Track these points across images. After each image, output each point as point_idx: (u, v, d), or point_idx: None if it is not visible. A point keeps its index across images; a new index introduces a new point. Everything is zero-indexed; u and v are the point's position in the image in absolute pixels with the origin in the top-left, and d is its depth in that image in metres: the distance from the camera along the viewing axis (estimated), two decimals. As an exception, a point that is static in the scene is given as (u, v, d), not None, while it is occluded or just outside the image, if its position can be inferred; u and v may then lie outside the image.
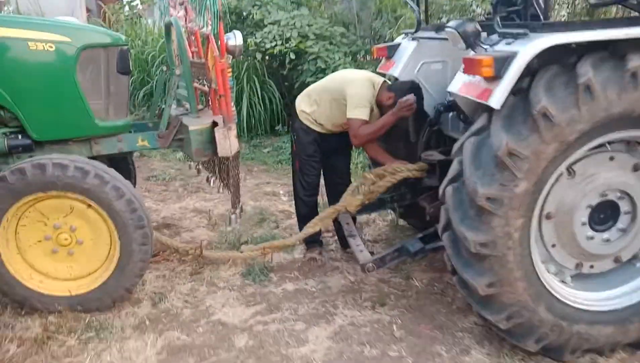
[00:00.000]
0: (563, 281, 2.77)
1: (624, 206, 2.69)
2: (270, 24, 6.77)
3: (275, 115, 7.42)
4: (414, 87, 3.50)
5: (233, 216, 3.61)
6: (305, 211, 3.95)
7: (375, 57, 4.12)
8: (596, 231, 2.70)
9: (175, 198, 5.49)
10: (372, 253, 3.36)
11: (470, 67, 2.44)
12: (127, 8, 9.40)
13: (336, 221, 4.03)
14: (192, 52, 3.85)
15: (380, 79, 3.65)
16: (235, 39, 3.41)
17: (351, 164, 4.17)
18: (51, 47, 3.16)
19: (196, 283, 3.68)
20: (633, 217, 2.70)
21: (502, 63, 2.31)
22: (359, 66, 6.99)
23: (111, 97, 3.44)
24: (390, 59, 3.91)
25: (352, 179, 4.04)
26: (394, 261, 3.18)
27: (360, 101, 3.48)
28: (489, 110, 2.50)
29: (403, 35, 3.99)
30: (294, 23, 6.87)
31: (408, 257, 3.16)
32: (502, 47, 2.47)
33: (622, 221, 2.71)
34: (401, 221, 4.33)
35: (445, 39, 3.63)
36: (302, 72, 7.09)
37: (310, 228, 3.57)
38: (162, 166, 6.53)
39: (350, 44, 7.26)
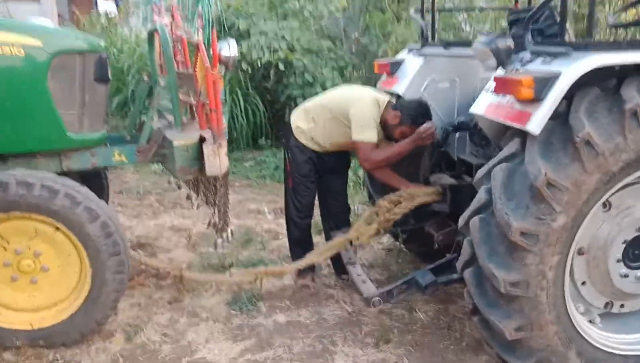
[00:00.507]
0: (591, 322, 2.52)
1: (661, 241, 2.47)
2: (258, 33, 6.46)
3: (259, 128, 7.09)
4: (422, 106, 3.25)
5: (219, 241, 3.27)
6: (298, 235, 3.63)
7: (376, 72, 3.84)
8: (630, 268, 2.47)
9: (150, 214, 5.08)
10: (371, 280, 3.05)
11: (505, 87, 2.18)
12: (103, 20, 8.98)
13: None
14: (178, 62, 3.50)
15: (384, 97, 3.38)
16: (229, 48, 3.08)
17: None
18: (20, 51, 2.77)
19: (176, 312, 3.31)
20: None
21: (544, 84, 2.06)
22: (347, 81, 6.75)
23: (86, 108, 3.06)
24: (393, 75, 3.65)
25: (349, 202, 3.75)
26: (402, 294, 2.89)
27: (365, 121, 3.20)
28: (522, 134, 2.24)
29: (407, 51, 3.74)
30: (283, 35, 6.59)
31: (418, 290, 2.87)
32: (538, 67, 2.22)
33: (660, 258, 2.49)
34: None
35: (455, 56, 3.47)
36: (288, 85, 6.82)
37: (315, 256, 3.24)
38: (135, 178, 6.11)
39: (338, 59, 7.04)
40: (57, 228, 2.65)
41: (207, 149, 3.01)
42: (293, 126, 3.46)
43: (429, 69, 3.47)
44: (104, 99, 3.26)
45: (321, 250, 3.27)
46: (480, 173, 2.42)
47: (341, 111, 3.29)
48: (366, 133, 3.19)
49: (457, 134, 3.32)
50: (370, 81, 7.12)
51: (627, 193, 2.35)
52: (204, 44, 3.10)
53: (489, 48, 2.24)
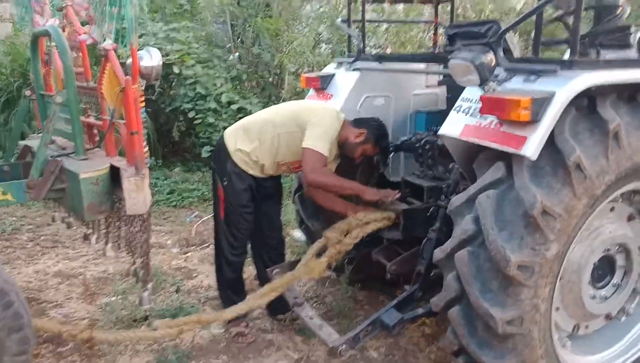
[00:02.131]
0: (564, 346, 2.47)
1: (620, 259, 2.49)
2: (145, 35, 5.80)
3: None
4: (383, 127, 3.02)
5: (145, 294, 2.69)
6: (231, 276, 3.17)
7: (304, 87, 3.54)
8: (596, 288, 2.46)
9: (25, 258, 4.21)
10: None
11: (495, 108, 2.02)
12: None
13: (261, 281, 3.35)
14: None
15: (342, 114, 3.08)
16: (151, 58, 2.56)
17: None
18: None
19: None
20: (627, 270, 2.52)
21: (540, 105, 1.93)
22: (243, 95, 6.35)
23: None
24: (323, 91, 3.38)
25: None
26: (368, 337, 2.59)
27: (323, 131, 2.86)
28: (505, 158, 2.10)
29: (336, 65, 3.50)
30: (174, 36, 6.02)
31: (385, 331, 2.60)
32: (523, 86, 2.10)
33: (617, 276, 2.52)
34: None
35: (389, 70, 3.30)
36: (177, 97, 6.23)
37: (256, 300, 2.80)
38: (-1, 212, 5.08)
39: (229, 69, 6.59)
40: None
41: (127, 182, 2.45)
42: (231, 148, 2.99)
43: (364, 85, 3.27)
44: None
45: (263, 292, 2.85)
46: (457, 200, 2.24)
47: (298, 122, 2.92)
48: (320, 143, 2.83)
49: (402, 155, 3.14)
50: (268, 94, 6.82)
51: (595, 214, 2.32)
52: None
53: (471, 64, 2.05)
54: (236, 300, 3.10)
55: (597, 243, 2.35)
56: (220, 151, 3.03)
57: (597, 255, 2.38)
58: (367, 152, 3.01)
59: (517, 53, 2.89)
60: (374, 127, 2.97)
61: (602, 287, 2.50)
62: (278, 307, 3.23)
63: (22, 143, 3.26)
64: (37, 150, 2.64)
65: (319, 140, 2.83)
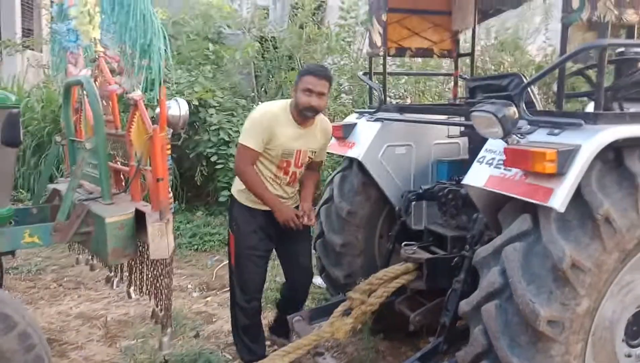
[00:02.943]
0: (596, 408, 2.35)
1: (653, 314, 2.40)
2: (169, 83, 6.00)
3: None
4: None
5: (165, 339, 2.68)
6: (245, 321, 3.14)
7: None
8: (632, 346, 2.36)
9: (48, 299, 4.24)
10: None
11: (520, 160, 2.02)
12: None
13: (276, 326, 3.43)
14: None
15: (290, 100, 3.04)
16: (179, 108, 2.65)
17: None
18: None
19: None
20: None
21: (566, 158, 1.92)
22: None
23: (-10, 177, 2.42)
24: (345, 139, 3.43)
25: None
26: (390, 391, 2.53)
27: (250, 126, 2.94)
28: (531, 210, 2.08)
29: (357, 115, 3.56)
30: (197, 81, 6.22)
31: (409, 386, 2.54)
32: (544, 138, 2.10)
33: (651, 333, 2.42)
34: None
35: (411, 121, 3.34)
36: (200, 143, 6.35)
37: (279, 358, 2.74)
38: (23, 252, 5.13)
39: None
40: (-46, 346, 1.95)
41: (152, 227, 2.48)
42: (234, 193, 3.10)
43: (385, 134, 3.30)
44: (11, 166, 2.62)
45: (287, 350, 2.78)
46: (484, 251, 2.21)
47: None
48: (244, 136, 2.93)
49: (424, 204, 3.13)
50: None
51: (626, 269, 2.26)
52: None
53: (494, 116, 2.07)
54: (252, 347, 3.08)
55: (630, 299, 2.26)
56: (230, 200, 3.11)
57: (631, 310, 2.29)
58: (302, 93, 2.88)
59: (539, 106, 2.91)
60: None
61: (637, 346, 2.39)
62: (279, 330, 3.34)
63: (50, 186, 3.34)
64: (65, 194, 2.70)
65: (244, 133, 2.95)
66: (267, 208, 2.99)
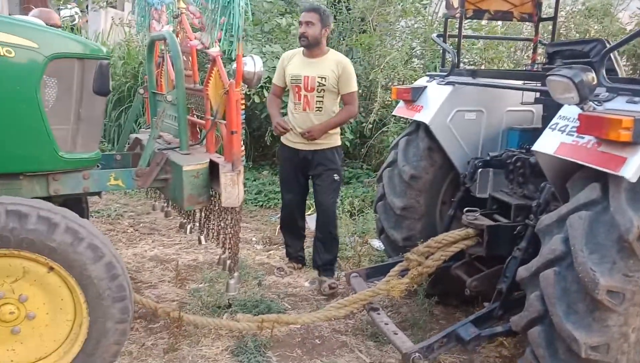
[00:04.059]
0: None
1: None
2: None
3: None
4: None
5: (232, 282, 2.87)
6: (288, 238, 4.17)
7: (395, 98, 3.61)
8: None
9: (126, 241, 4.59)
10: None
11: (594, 127, 1.97)
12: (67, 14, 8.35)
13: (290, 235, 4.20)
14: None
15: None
16: (254, 64, 2.75)
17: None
18: (9, 51, 2.33)
19: (174, 364, 2.89)
20: None
21: (641, 127, 1.86)
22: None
23: (81, 123, 2.62)
24: (414, 103, 3.42)
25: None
26: (442, 348, 2.59)
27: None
28: (602, 179, 2.04)
29: (428, 79, 3.53)
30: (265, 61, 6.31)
31: (460, 345, 2.59)
32: (622, 106, 2.03)
33: None
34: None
35: (483, 85, 3.28)
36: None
37: (336, 310, 2.88)
38: (104, 199, 5.55)
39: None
40: (52, 268, 2.20)
41: (224, 177, 2.64)
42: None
43: (456, 99, 3.27)
44: (101, 114, 2.84)
45: (343, 303, 2.92)
46: (548, 219, 2.20)
47: None
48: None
49: (491, 171, 3.10)
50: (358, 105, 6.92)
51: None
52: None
53: (571, 81, 2.02)
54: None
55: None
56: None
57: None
58: (299, 27, 3.81)
59: (622, 74, 2.77)
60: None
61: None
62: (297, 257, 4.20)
63: (133, 135, 3.59)
64: (146, 143, 2.91)
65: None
66: (293, 145, 3.84)
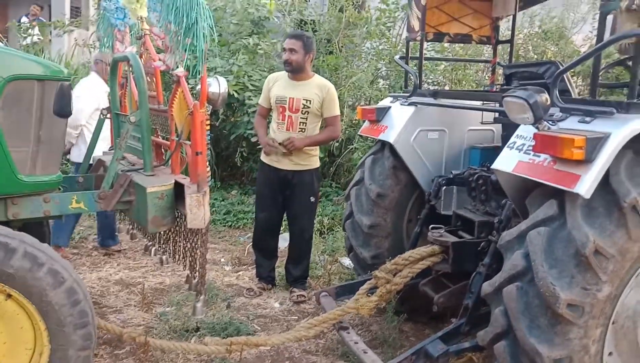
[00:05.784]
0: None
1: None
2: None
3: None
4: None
5: (199, 305, 2.82)
6: (260, 258, 4.16)
7: (360, 118, 3.66)
8: (654, 337, 2.37)
9: (90, 265, 4.48)
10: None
11: (549, 146, 2.05)
12: (28, 39, 8.21)
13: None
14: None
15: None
16: (218, 85, 2.76)
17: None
18: (-36, 73, 2.29)
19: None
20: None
21: (594, 145, 1.94)
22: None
23: (42, 145, 2.58)
24: (378, 123, 3.48)
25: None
26: (411, 367, 2.60)
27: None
28: (559, 196, 2.11)
29: (391, 99, 3.61)
30: (230, 69, 6.33)
31: (429, 362, 2.60)
32: (574, 125, 2.12)
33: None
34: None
35: (445, 106, 3.36)
36: (240, 124, 6.48)
37: (305, 330, 2.87)
38: (67, 222, 5.41)
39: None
40: (10, 295, 2.13)
41: (190, 198, 2.62)
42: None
43: (418, 119, 3.34)
44: (62, 135, 2.80)
45: (313, 323, 2.91)
46: (508, 235, 2.25)
47: None
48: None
49: (455, 189, 3.17)
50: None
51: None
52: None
53: (526, 102, 2.10)
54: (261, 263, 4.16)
55: (654, 289, 2.28)
56: None
57: (654, 301, 2.30)
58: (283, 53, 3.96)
59: (575, 95, 2.89)
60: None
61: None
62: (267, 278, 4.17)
63: (96, 156, 3.53)
64: (110, 164, 2.86)
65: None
66: (273, 164, 3.90)
